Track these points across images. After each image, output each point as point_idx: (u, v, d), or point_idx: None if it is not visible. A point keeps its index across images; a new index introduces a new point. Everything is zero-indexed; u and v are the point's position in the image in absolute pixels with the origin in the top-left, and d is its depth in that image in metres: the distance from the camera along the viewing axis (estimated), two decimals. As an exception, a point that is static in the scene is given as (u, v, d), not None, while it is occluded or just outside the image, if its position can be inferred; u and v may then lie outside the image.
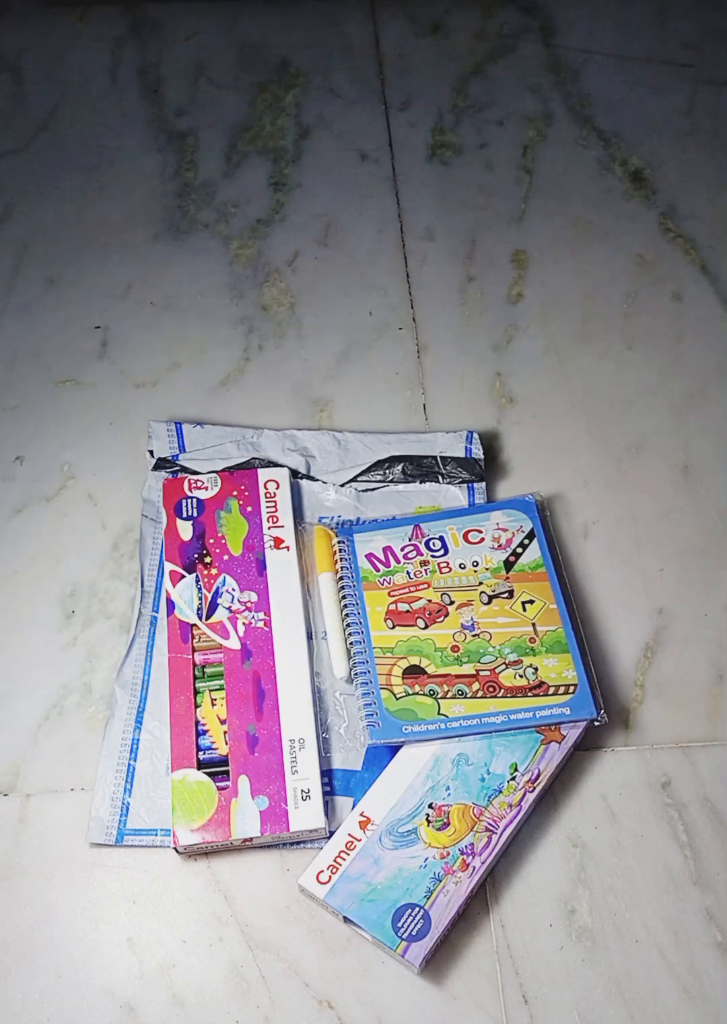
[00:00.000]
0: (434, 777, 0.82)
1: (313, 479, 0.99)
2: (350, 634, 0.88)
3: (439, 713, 0.84)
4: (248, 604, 0.90)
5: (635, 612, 0.93)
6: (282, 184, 1.23)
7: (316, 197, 1.22)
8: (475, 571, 0.91)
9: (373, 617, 0.89)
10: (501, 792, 0.81)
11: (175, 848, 0.79)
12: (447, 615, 0.89)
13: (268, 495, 0.96)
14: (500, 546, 0.93)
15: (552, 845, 0.82)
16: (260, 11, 1.40)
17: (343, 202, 1.21)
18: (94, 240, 1.18)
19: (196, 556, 0.92)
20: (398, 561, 0.92)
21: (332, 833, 0.80)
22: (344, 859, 0.78)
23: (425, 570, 0.91)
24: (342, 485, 0.98)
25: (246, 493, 0.96)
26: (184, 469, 0.98)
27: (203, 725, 0.84)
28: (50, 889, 0.80)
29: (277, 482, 0.96)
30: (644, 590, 0.94)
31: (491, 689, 0.85)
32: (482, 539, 0.93)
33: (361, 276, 1.15)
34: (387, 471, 0.99)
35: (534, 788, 0.81)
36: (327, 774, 0.83)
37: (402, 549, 0.93)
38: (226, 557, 0.92)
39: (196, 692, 0.86)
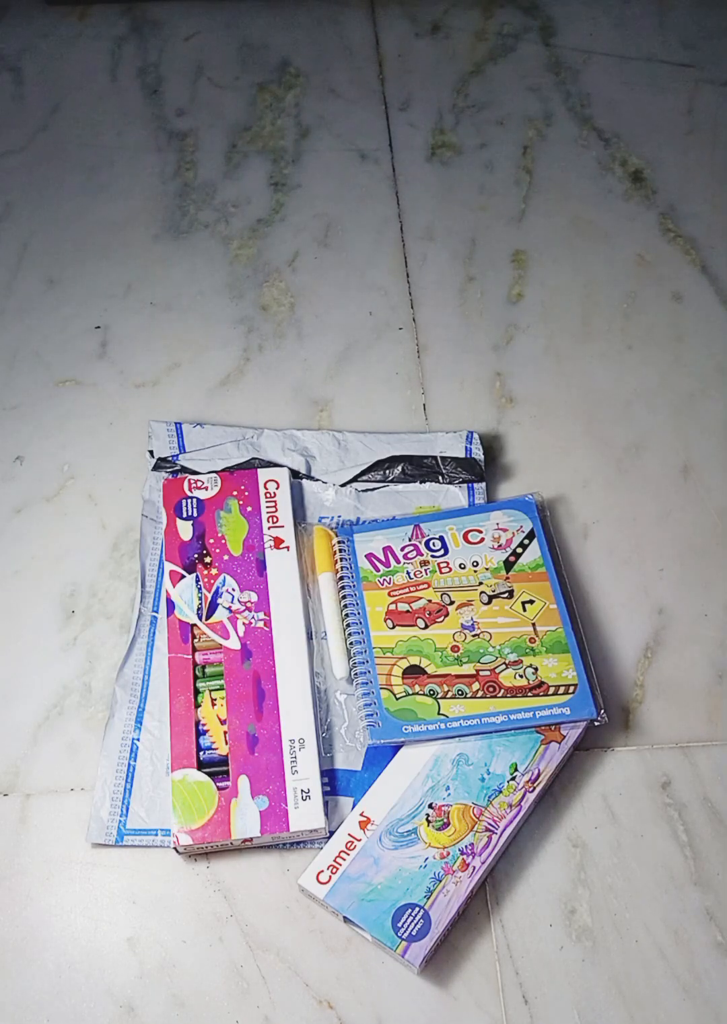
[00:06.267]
0: (434, 777, 0.82)
1: (313, 479, 0.99)
2: (350, 634, 0.88)
3: (439, 713, 0.84)
4: (248, 604, 0.90)
5: (635, 612, 0.93)
6: (282, 184, 1.23)
7: (316, 197, 1.22)
8: (475, 571, 0.91)
9: (373, 617, 0.89)
10: (501, 792, 0.81)
11: (175, 848, 0.79)
12: (447, 615, 0.89)
13: (268, 495, 0.96)
14: (500, 546, 0.93)
15: (552, 845, 0.82)
16: (260, 11, 1.40)
17: (343, 202, 1.21)
18: (94, 240, 1.18)
19: (196, 556, 0.92)
20: (398, 561, 0.92)
21: (332, 833, 0.80)
22: (344, 859, 0.78)
23: (425, 570, 0.91)
24: (342, 485, 0.98)
25: (246, 493, 0.96)
26: (184, 469, 0.98)
27: (203, 725, 0.84)
28: (50, 889, 0.80)
29: (277, 482, 0.96)
30: (644, 590, 0.94)
31: (491, 689, 0.85)
32: (482, 539, 0.93)
33: (361, 276, 1.15)
34: (387, 471, 0.99)
35: (534, 788, 0.81)
36: (327, 774, 0.83)
37: (402, 549, 0.93)
38: (226, 557, 0.92)
39: (196, 692, 0.86)
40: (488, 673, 0.85)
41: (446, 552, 0.92)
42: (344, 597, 0.90)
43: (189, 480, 0.96)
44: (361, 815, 0.80)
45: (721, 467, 1.02)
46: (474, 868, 0.78)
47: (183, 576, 0.91)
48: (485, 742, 0.83)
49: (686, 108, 1.31)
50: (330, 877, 0.78)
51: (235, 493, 0.96)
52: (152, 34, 1.37)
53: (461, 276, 1.16)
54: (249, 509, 0.95)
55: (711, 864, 0.81)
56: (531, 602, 0.89)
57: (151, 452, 1.00)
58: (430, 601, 0.90)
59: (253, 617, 0.89)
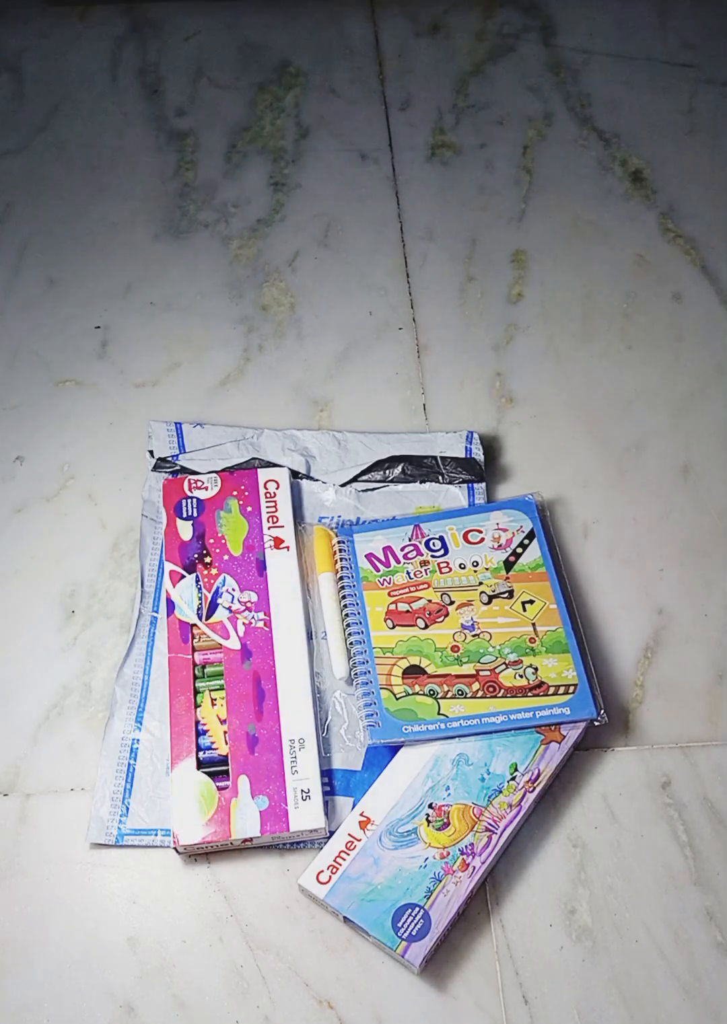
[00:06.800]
0: (434, 777, 0.82)
1: (313, 479, 0.99)
2: (350, 634, 0.88)
3: (439, 713, 0.84)
4: (248, 604, 0.90)
5: (635, 612, 0.93)
6: (282, 184, 1.23)
7: (316, 197, 1.22)
8: (475, 571, 0.91)
9: (373, 617, 0.89)
10: (501, 792, 0.81)
11: (175, 848, 0.79)
12: (447, 615, 0.89)
13: (268, 495, 0.96)
14: (500, 546, 0.93)
15: (552, 845, 0.82)
16: (260, 11, 1.40)
17: (343, 202, 1.21)
18: (94, 240, 1.18)
19: (196, 556, 0.92)
20: (398, 561, 0.92)
21: (332, 833, 0.80)
22: (344, 859, 0.78)
23: (425, 570, 0.91)
24: (342, 485, 0.98)
25: (246, 493, 0.96)
26: (184, 469, 0.98)
27: (203, 725, 0.84)
28: (50, 889, 0.80)
29: (277, 482, 0.96)
30: (644, 590, 0.94)
31: (491, 689, 0.85)
32: (482, 539, 0.93)
33: (361, 276, 1.15)
34: (387, 471, 0.99)
35: (534, 788, 0.81)
36: (327, 774, 0.83)
37: (402, 549, 0.93)
38: (226, 557, 0.92)
39: (196, 692, 0.86)
40: (488, 673, 0.85)
41: (446, 552, 0.92)
42: (344, 597, 0.90)
43: (189, 480, 0.96)
44: (361, 815, 0.80)
45: (721, 467, 1.02)
46: (474, 868, 0.78)
47: (183, 576, 0.91)
48: (485, 742, 0.83)
49: (686, 108, 1.31)
50: (330, 877, 0.78)
51: (235, 493, 0.96)
52: (152, 34, 1.37)
53: (461, 276, 1.16)
54: (249, 509, 0.95)
55: (711, 864, 0.81)
56: (531, 602, 0.89)
57: (151, 452, 1.00)
58: (430, 601, 0.90)
59: (253, 617, 0.89)
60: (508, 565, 0.92)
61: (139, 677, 0.88)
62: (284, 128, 1.28)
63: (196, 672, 0.87)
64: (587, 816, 0.83)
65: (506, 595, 0.90)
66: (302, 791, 0.81)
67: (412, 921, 0.76)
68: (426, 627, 0.88)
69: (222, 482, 0.96)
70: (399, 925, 0.76)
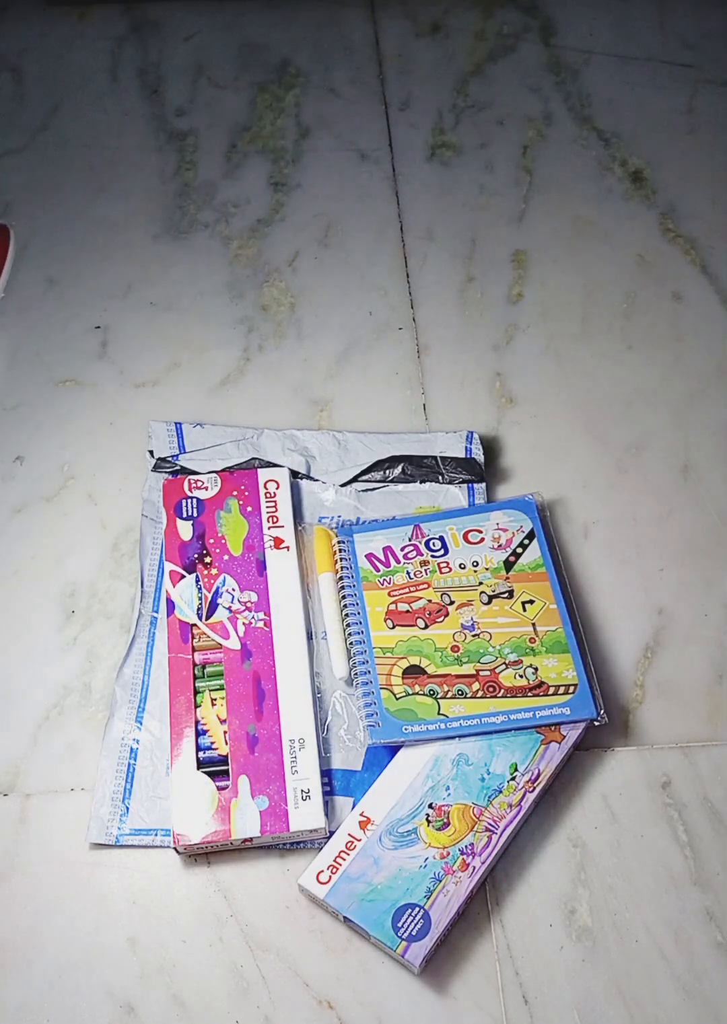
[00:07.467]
0: (434, 777, 0.82)
1: (313, 479, 0.99)
2: (350, 634, 0.88)
3: (439, 713, 0.84)
4: (248, 604, 0.90)
5: (635, 612, 0.93)
6: (282, 184, 1.23)
7: (316, 197, 1.22)
8: (475, 571, 0.91)
9: (373, 617, 0.89)
10: (501, 792, 0.81)
11: (175, 848, 0.79)
12: (447, 615, 0.89)
13: (268, 495, 0.96)
14: (500, 546, 0.93)
15: (552, 845, 0.82)
16: (260, 11, 1.40)
17: (343, 202, 1.21)
18: (94, 240, 1.18)
19: (196, 556, 0.92)
20: (398, 561, 0.92)
21: (332, 833, 0.80)
22: (344, 859, 0.78)
23: (425, 570, 0.91)
24: (342, 485, 0.98)
25: (246, 493, 0.96)
26: (184, 469, 0.98)
27: (203, 725, 0.84)
28: (50, 889, 0.80)
29: (277, 482, 0.97)
30: (644, 590, 0.94)
31: (491, 689, 0.85)
32: (482, 539, 0.93)
33: (361, 276, 1.15)
34: (387, 471, 0.99)
35: (534, 788, 0.81)
36: (327, 774, 0.83)
37: (402, 549, 0.93)
38: (226, 557, 0.92)
39: (196, 692, 0.86)
40: (488, 673, 0.85)
41: (446, 552, 0.92)
42: (344, 597, 0.90)
43: (189, 480, 0.96)
44: (361, 815, 0.80)
45: (721, 467, 1.02)
46: (474, 868, 0.78)
47: (183, 576, 0.91)
48: (485, 742, 0.83)
49: (686, 108, 1.31)
50: (330, 877, 0.78)
51: (235, 493, 0.96)
52: (152, 34, 1.37)
53: (461, 276, 1.16)
54: (249, 509, 0.95)
55: (711, 864, 0.81)
56: (531, 602, 0.89)
57: (151, 452, 1.00)
58: (430, 601, 0.90)
59: (253, 617, 0.89)
60: (508, 565, 0.92)
61: (139, 677, 0.88)
62: (284, 128, 1.28)
63: (196, 672, 0.87)
64: (587, 816, 0.83)
65: (506, 595, 0.90)
66: (302, 791, 0.81)
67: (412, 921, 0.76)
68: (426, 627, 0.88)
69: (222, 482, 0.96)
70: (399, 925, 0.76)
